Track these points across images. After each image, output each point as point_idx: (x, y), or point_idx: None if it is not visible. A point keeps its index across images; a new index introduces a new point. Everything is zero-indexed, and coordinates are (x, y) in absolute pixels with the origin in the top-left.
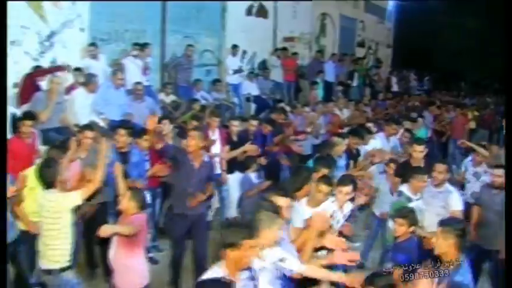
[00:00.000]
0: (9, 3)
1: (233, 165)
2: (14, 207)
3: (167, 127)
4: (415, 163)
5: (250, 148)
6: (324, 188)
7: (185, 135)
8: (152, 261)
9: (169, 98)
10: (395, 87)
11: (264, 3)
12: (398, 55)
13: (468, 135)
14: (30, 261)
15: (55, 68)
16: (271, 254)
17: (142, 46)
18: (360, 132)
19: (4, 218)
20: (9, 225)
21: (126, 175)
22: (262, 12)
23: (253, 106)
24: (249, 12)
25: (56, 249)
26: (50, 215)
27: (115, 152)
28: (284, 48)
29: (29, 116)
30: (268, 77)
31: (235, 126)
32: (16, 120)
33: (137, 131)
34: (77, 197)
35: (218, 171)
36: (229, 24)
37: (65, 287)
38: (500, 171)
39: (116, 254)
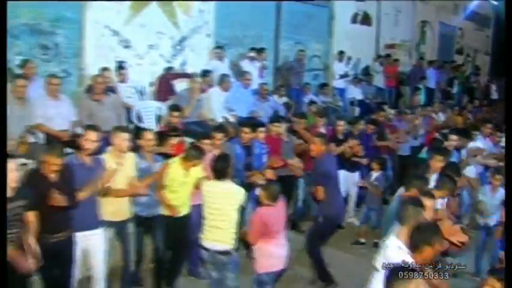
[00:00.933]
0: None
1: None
2: (158, 192)
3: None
4: None
5: (354, 143)
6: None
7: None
8: None
9: (282, 100)
10: (494, 95)
11: (368, 11)
12: (497, 63)
13: None
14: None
15: (184, 74)
16: None
17: (259, 50)
18: (463, 131)
19: (4, 218)
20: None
21: (249, 167)
22: (366, 20)
23: (357, 109)
24: (354, 20)
25: (231, 232)
26: (223, 201)
27: (239, 145)
28: (387, 55)
29: (176, 108)
30: (371, 82)
31: (341, 125)
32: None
33: (257, 125)
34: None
35: None
36: (336, 32)
37: (234, 265)
38: None
39: None
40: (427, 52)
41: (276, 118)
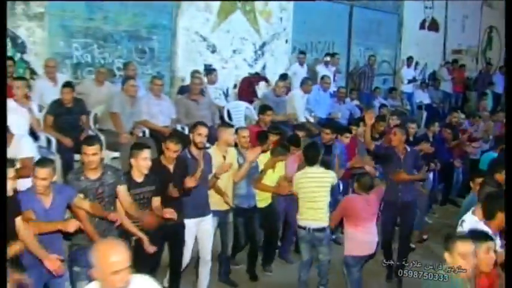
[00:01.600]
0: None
1: None
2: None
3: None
4: None
5: (425, 147)
6: None
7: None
8: None
9: (354, 103)
10: None
11: (435, 17)
12: None
13: None
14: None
15: (262, 78)
16: None
17: (333, 55)
18: None
19: (4, 218)
20: None
21: (327, 164)
22: (434, 26)
23: (424, 114)
24: (422, 26)
25: (324, 211)
26: (316, 184)
27: (322, 144)
28: (455, 61)
29: (269, 108)
30: (439, 87)
31: (413, 128)
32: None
33: (340, 128)
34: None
35: None
36: (405, 37)
37: (327, 241)
38: None
39: None
40: (494, 58)
41: (354, 121)
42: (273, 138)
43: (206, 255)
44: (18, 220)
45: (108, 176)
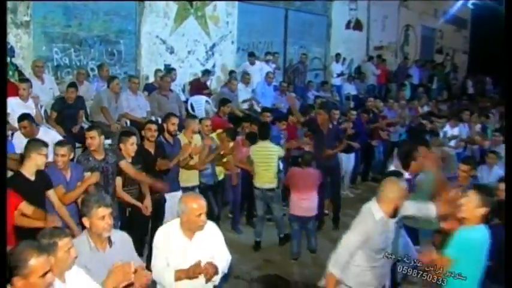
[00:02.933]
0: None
1: None
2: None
3: None
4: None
5: (347, 125)
6: None
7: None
8: None
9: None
10: (470, 90)
11: (359, 18)
12: (475, 61)
13: None
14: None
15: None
16: None
17: (273, 54)
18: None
19: (4, 218)
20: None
21: None
22: (358, 26)
23: (352, 103)
24: (347, 26)
25: (274, 176)
26: (267, 155)
27: None
28: (379, 56)
29: (228, 101)
30: (364, 80)
31: (337, 114)
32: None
33: (279, 116)
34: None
35: None
36: (333, 36)
37: (277, 198)
38: None
39: None
40: (410, 52)
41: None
42: (246, 124)
43: None
44: (52, 192)
45: (110, 157)
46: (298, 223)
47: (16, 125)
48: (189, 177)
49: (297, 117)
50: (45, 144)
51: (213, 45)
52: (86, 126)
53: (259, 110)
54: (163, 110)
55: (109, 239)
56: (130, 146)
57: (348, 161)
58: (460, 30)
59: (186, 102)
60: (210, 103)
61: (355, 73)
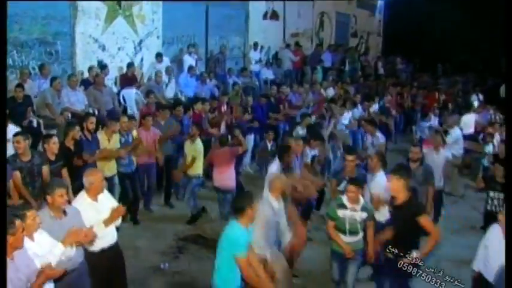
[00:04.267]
0: (117, 22)
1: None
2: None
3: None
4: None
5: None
6: None
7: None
8: None
9: (212, 82)
10: (381, 71)
11: (275, 8)
12: (388, 42)
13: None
14: None
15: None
16: None
17: (195, 46)
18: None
19: (4, 218)
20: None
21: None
22: (274, 16)
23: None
24: (265, 16)
25: (200, 164)
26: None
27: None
28: (297, 43)
29: (152, 92)
30: (281, 65)
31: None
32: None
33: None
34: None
35: None
36: (251, 27)
37: (199, 183)
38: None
39: None
40: (326, 38)
41: (198, 100)
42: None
43: None
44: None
45: (36, 159)
46: (219, 194)
47: None
48: (109, 168)
49: None
50: None
51: (141, 41)
52: (34, 120)
53: (183, 99)
54: (99, 103)
55: (64, 211)
56: (52, 145)
57: (249, 141)
58: (374, 14)
59: (118, 94)
60: (139, 94)
61: (273, 59)
